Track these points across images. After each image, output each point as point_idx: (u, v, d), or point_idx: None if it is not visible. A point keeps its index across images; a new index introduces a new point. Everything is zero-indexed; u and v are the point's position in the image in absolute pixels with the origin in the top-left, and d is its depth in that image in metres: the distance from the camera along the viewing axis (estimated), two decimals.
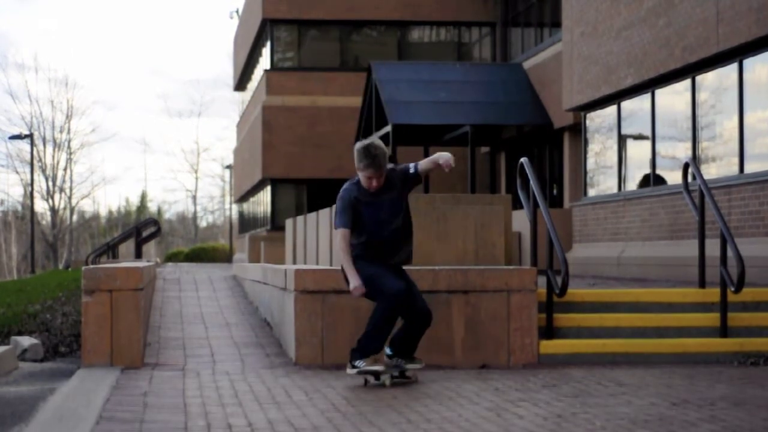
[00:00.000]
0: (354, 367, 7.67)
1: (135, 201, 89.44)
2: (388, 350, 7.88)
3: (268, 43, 33.56)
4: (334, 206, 8.01)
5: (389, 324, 7.66)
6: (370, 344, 7.66)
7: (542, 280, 9.43)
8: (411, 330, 7.84)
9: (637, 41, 17.22)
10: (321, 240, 15.62)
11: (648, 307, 9.80)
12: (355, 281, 7.60)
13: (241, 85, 45.00)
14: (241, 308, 13.44)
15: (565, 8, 20.68)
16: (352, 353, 7.72)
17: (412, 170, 7.84)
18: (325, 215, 15.25)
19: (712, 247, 11.61)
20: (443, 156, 7.81)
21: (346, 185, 7.80)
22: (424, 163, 7.89)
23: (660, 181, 17.04)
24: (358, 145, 7.65)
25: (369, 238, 7.68)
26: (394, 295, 7.56)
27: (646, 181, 17.46)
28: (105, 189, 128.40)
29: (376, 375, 7.67)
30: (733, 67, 14.69)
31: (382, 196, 7.71)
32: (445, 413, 6.46)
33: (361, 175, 7.66)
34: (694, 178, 10.45)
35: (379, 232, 7.69)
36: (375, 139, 7.72)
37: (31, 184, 48.54)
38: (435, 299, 8.93)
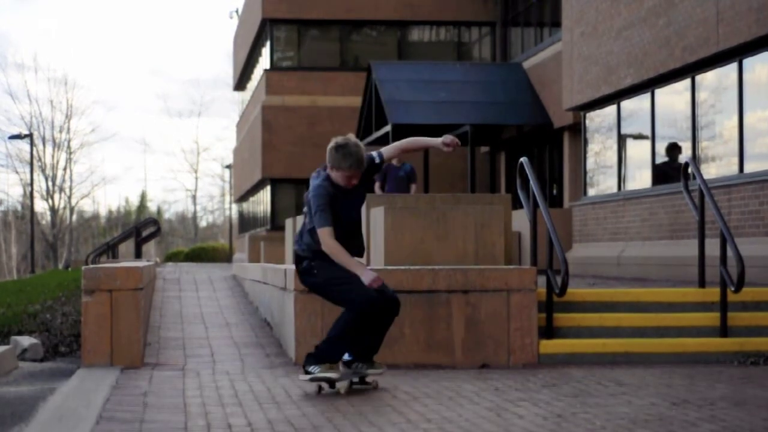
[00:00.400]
0: (307, 372, 7.25)
1: (135, 201, 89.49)
2: (347, 355, 7.43)
3: (268, 43, 33.56)
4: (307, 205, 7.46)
5: (355, 332, 7.27)
6: (330, 352, 7.27)
7: (542, 280, 9.43)
8: (380, 323, 7.39)
9: (637, 41, 17.22)
10: None
11: (648, 306, 9.80)
12: (368, 274, 7.15)
13: (240, 84, 45.00)
14: (241, 308, 13.44)
15: (565, 8, 20.68)
16: (307, 358, 7.31)
17: (377, 160, 7.47)
18: None
19: (712, 247, 11.61)
20: (446, 137, 7.58)
21: (317, 182, 7.30)
22: (388, 151, 7.57)
23: (661, 174, 17.05)
24: (336, 144, 7.25)
25: (342, 234, 7.25)
26: (367, 304, 7.17)
27: (662, 177, 17.32)
28: (105, 189, 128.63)
29: (331, 382, 7.29)
30: (732, 67, 14.69)
31: (353, 190, 7.37)
32: (445, 413, 6.46)
33: (340, 174, 7.24)
34: (694, 177, 10.46)
35: (351, 227, 7.37)
36: (350, 136, 7.35)
37: (31, 184, 48.55)
38: (435, 299, 8.94)
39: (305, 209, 7.40)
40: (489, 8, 31.12)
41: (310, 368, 7.26)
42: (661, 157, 17.10)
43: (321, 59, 33.08)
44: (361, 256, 7.46)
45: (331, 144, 7.29)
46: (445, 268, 9.14)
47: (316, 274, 7.38)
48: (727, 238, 9.54)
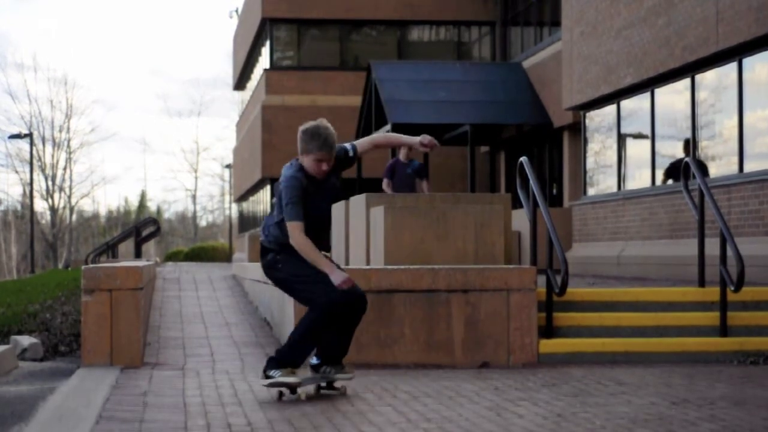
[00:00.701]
0: (267, 377, 6.92)
1: (135, 201, 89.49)
2: (314, 359, 7.13)
3: (268, 43, 33.56)
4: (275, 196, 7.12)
5: (319, 335, 6.96)
6: (292, 355, 6.93)
7: (542, 280, 9.43)
8: (347, 323, 7.08)
9: (637, 41, 17.22)
10: None
11: (648, 306, 9.80)
12: (337, 274, 6.86)
13: (240, 84, 45.00)
14: (241, 308, 13.44)
15: (564, 8, 20.68)
16: (268, 362, 6.97)
17: (350, 153, 7.18)
18: None
19: (712, 247, 11.60)
20: (424, 137, 7.32)
21: (290, 172, 6.99)
22: (362, 145, 7.29)
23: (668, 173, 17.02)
24: (305, 128, 6.97)
25: (310, 229, 6.94)
26: (331, 305, 6.86)
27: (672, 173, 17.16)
28: (105, 189, 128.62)
29: (292, 388, 6.96)
30: (732, 67, 14.69)
31: (325, 183, 7.06)
32: (445, 412, 6.46)
33: (309, 159, 6.94)
34: (693, 177, 10.46)
35: (320, 222, 7.05)
36: (321, 120, 7.03)
37: (31, 184, 48.54)
38: (434, 299, 8.94)
39: (274, 200, 7.13)
40: (489, 8, 31.11)
41: (271, 372, 6.92)
42: (663, 156, 17.09)
43: (321, 59, 33.07)
44: (328, 251, 7.18)
45: (300, 129, 7.03)
46: (445, 267, 9.14)
47: (280, 268, 7.04)
48: (727, 237, 9.54)
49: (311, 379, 7.10)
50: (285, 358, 6.94)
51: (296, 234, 6.89)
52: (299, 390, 6.97)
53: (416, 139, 7.41)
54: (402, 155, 16.27)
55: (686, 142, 16.35)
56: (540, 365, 8.93)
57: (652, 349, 9.23)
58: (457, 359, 8.94)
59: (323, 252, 7.12)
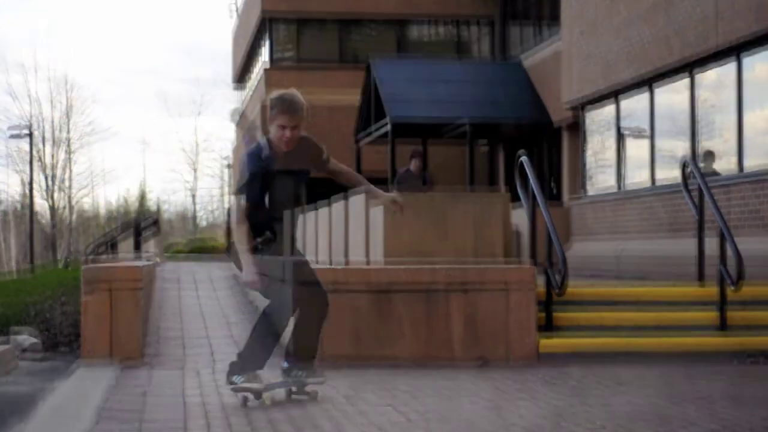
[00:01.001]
0: (231, 383, 6.68)
1: (134, 200, 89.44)
2: (285, 363, 6.87)
3: (267, 40, 33.54)
4: (242, 177, 6.70)
5: (279, 332, 6.70)
6: (253, 359, 6.65)
7: (541, 278, 9.42)
8: (311, 321, 6.84)
9: (637, 39, 17.22)
10: (320, 237, 15.61)
11: (647, 304, 9.80)
12: (249, 273, 6.50)
13: (240, 82, 44.99)
14: (241, 307, 13.44)
15: (564, 6, 20.67)
16: (230, 366, 6.70)
17: (325, 156, 6.87)
18: (324, 213, 15.24)
19: (712, 245, 11.59)
20: (399, 196, 7.21)
21: (253, 149, 6.60)
22: (335, 164, 7.00)
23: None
24: (273, 94, 6.70)
25: (273, 216, 6.62)
26: (290, 301, 6.61)
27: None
28: (105, 187, 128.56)
29: (257, 394, 6.69)
30: (732, 65, 14.68)
31: (293, 164, 6.65)
32: (445, 411, 6.46)
33: (273, 126, 6.60)
34: (693, 176, 10.46)
35: (284, 210, 6.68)
36: (293, 89, 6.81)
37: (31, 183, 48.61)
38: (434, 297, 8.93)
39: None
40: (488, 5, 31.09)
41: (233, 378, 6.66)
42: (662, 155, 17.09)
43: (320, 56, 33.04)
44: (292, 248, 6.74)
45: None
46: (445, 266, 9.13)
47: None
48: (727, 236, 9.54)
49: (281, 383, 6.89)
50: (246, 362, 6.68)
51: (240, 214, 6.57)
52: (264, 395, 6.69)
53: (390, 196, 7.19)
54: (413, 167, 15.98)
55: (707, 154, 16.32)
56: (540, 363, 8.93)
57: (651, 347, 9.22)
58: (456, 357, 8.93)
59: (291, 247, 6.75)
